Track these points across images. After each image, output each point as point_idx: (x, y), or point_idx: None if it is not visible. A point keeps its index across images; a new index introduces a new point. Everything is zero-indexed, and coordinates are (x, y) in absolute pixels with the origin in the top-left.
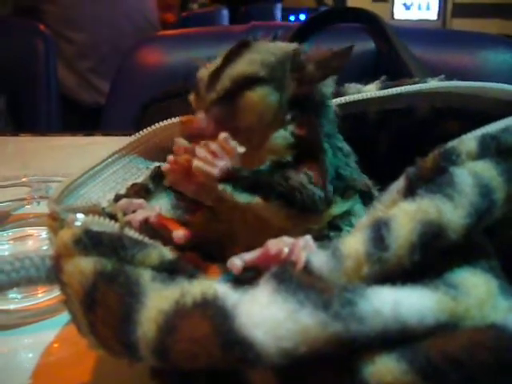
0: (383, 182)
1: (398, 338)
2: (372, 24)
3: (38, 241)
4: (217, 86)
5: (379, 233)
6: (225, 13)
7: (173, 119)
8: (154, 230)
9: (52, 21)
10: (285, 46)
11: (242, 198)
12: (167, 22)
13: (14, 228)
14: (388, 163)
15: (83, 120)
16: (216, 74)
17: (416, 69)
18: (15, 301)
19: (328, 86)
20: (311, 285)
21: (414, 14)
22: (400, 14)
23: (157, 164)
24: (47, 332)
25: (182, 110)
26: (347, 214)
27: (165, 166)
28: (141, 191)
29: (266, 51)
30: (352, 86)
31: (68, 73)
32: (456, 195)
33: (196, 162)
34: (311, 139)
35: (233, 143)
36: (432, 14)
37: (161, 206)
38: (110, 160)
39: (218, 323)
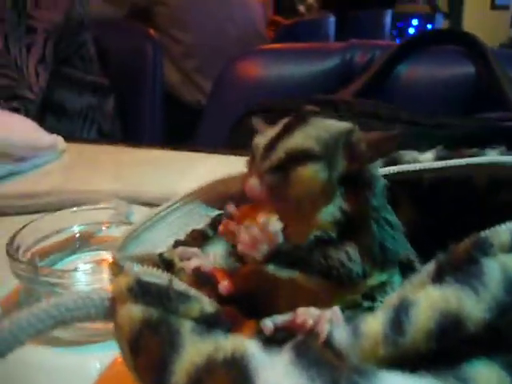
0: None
1: None
2: (472, 48)
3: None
4: (272, 156)
5: (398, 316)
6: (332, 20)
7: (238, 172)
8: (205, 277)
9: (162, 21)
10: (339, 125)
11: (284, 273)
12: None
13: (91, 251)
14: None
15: (185, 119)
16: (272, 144)
17: None
18: None
19: (377, 167)
20: (325, 361)
21: None
22: None
23: (218, 212)
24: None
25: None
26: (384, 285)
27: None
28: (199, 237)
29: (321, 127)
30: (408, 154)
31: (173, 71)
32: (481, 288)
33: (240, 247)
34: (358, 215)
35: (273, 227)
36: None
37: (216, 253)
38: (175, 206)
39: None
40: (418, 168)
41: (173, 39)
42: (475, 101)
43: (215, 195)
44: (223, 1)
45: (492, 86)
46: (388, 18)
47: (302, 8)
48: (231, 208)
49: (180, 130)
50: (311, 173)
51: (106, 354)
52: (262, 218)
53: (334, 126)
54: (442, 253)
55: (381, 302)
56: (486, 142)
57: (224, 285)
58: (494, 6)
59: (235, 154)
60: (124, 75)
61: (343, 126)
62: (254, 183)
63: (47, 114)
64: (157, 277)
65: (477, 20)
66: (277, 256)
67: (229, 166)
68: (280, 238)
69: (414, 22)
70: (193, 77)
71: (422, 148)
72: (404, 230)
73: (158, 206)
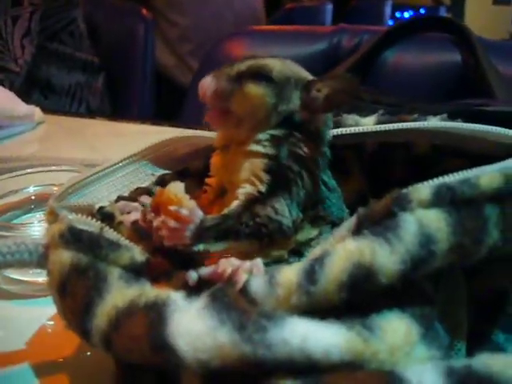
0: None
1: (305, 367)
2: (460, 35)
3: None
4: (234, 67)
5: (312, 266)
6: (329, 8)
7: (187, 132)
8: (143, 231)
9: (158, 3)
10: (306, 73)
11: (215, 247)
12: None
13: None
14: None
15: (178, 100)
16: (242, 60)
17: (500, 87)
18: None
19: (329, 118)
20: (237, 307)
21: None
22: None
23: (164, 171)
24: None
25: None
26: (311, 241)
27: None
28: (143, 194)
29: (290, 66)
30: (350, 118)
31: (168, 54)
32: (395, 241)
33: (165, 242)
34: (296, 164)
35: (185, 209)
36: None
37: None
38: (121, 164)
39: (153, 327)
40: (359, 131)
41: (169, 22)
42: (461, 88)
43: (163, 155)
44: None
45: (477, 75)
46: (388, 9)
47: None
48: (145, 199)
49: (172, 110)
50: (260, 91)
51: (52, 308)
52: (171, 207)
53: (302, 71)
54: (363, 208)
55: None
56: None
57: (157, 219)
58: (496, 1)
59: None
60: (115, 53)
61: (308, 75)
62: (208, 81)
63: (34, 90)
64: (90, 225)
65: (478, 14)
66: (204, 233)
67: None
68: (198, 215)
69: (406, 14)
70: (187, 60)
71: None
72: (354, 199)
73: None
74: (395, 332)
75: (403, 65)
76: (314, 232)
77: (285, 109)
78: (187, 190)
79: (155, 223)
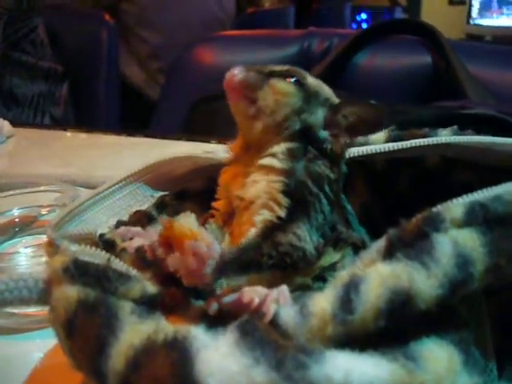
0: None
1: None
2: (430, 37)
3: None
4: (270, 67)
5: (348, 294)
6: (292, 10)
7: (185, 152)
8: (148, 257)
9: (130, 20)
10: (336, 99)
11: (237, 280)
12: None
13: (32, 235)
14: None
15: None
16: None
17: (472, 89)
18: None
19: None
20: (270, 341)
21: (495, 20)
22: (478, 18)
23: (163, 193)
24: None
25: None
26: (335, 266)
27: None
28: (143, 218)
29: (323, 85)
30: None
31: (139, 70)
32: (432, 264)
33: (184, 282)
34: (314, 186)
35: (202, 246)
36: None
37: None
38: (117, 186)
39: (179, 366)
40: (370, 151)
41: (140, 39)
42: (433, 90)
43: (160, 176)
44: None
45: (449, 76)
46: (348, 11)
47: (266, 4)
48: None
49: (141, 122)
50: (289, 89)
51: (47, 341)
52: (186, 244)
53: (332, 94)
54: (393, 229)
55: (331, 281)
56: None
57: (173, 257)
58: (451, 1)
59: (191, 140)
60: (78, 60)
61: (337, 99)
62: (238, 70)
63: None
64: (95, 256)
65: (434, 15)
66: (225, 268)
67: (184, 150)
68: (217, 249)
69: (363, 16)
70: (157, 77)
71: None
72: (357, 212)
73: None
74: (438, 361)
75: (375, 68)
76: (336, 256)
77: (307, 119)
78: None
79: (170, 262)
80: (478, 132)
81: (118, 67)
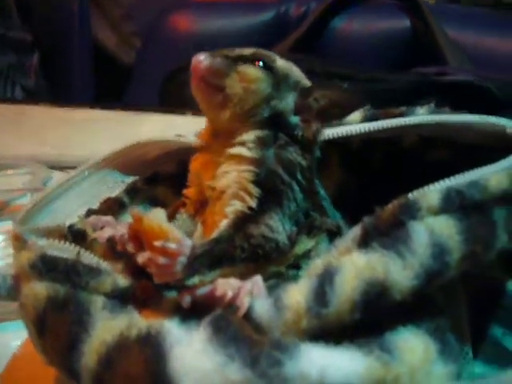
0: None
1: None
2: (409, 1)
3: None
4: (238, 50)
5: (322, 286)
6: None
7: (155, 137)
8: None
9: None
10: (307, 81)
11: (210, 276)
12: None
13: (4, 221)
14: (374, 192)
15: (120, 79)
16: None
17: (451, 52)
18: None
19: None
20: (244, 337)
21: None
22: None
23: (134, 178)
24: None
25: None
26: (309, 253)
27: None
28: (114, 205)
29: (292, 67)
30: None
31: (111, 34)
32: (408, 254)
33: (155, 279)
34: (286, 174)
35: (172, 243)
36: None
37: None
38: (86, 173)
39: (152, 363)
40: (346, 133)
41: (113, 0)
42: (412, 55)
43: (130, 161)
44: None
45: (428, 40)
46: None
47: None
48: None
49: (115, 89)
50: (258, 75)
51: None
52: (156, 242)
53: (302, 76)
54: (368, 216)
55: (306, 270)
56: (421, 96)
57: (143, 255)
58: None
59: (167, 113)
60: (49, 30)
61: (308, 82)
62: (204, 56)
63: None
64: (64, 250)
65: None
66: (196, 263)
67: (160, 125)
68: (188, 245)
69: None
70: (131, 41)
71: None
72: (332, 193)
73: None
74: (413, 351)
75: (352, 32)
76: (310, 243)
77: (277, 105)
78: (162, 199)
79: (140, 259)
80: (457, 104)
81: (91, 33)
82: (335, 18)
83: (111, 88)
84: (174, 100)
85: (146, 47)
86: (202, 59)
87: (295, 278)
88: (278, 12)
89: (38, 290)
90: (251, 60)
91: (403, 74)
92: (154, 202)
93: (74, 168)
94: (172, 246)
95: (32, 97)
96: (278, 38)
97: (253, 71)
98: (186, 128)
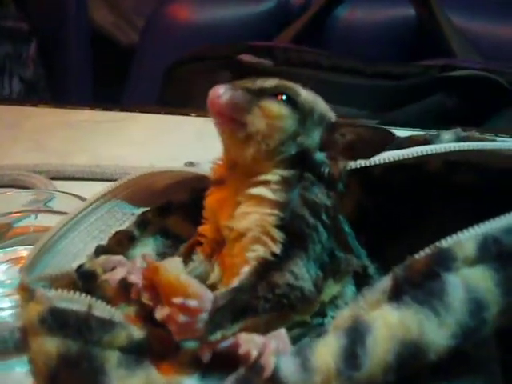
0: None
1: None
2: None
3: None
4: (259, 81)
5: (353, 347)
6: None
7: (165, 167)
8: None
9: None
10: (333, 115)
11: (233, 329)
12: None
13: (7, 247)
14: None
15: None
16: (265, 78)
17: (457, 43)
18: None
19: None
20: None
21: None
22: None
23: (143, 209)
24: None
25: (206, 73)
26: (335, 299)
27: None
28: (124, 240)
29: (317, 100)
30: None
31: (108, 12)
32: (443, 311)
33: (176, 338)
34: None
35: (194, 300)
36: None
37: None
38: (93, 206)
39: None
40: (369, 163)
41: None
42: (416, 43)
43: (139, 191)
44: None
45: (433, 29)
46: None
47: None
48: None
49: (113, 73)
50: (283, 112)
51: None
52: (175, 299)
53: (328, 109)
54: (399, 266)
55: (332, 317)
56: (430, 93)
57: (161, 312)
58: None
59: (169, 114)
60: (45, 17)
61: (333, 116)
62: (222, 89)
63: None
64: (74, 301)
65: None
66: (218, 317)
67: (161, 126)
68: (209, 299)
69: None
70: (129, 17)
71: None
72: (353, 217)
73: (83, 180)
74: None
75: (356, 21)
76: (336, 287)
77: (304, 142)
78: (173, 230)
79: (159, 316)
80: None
81: (87, 16)
82: (338, 7)
83: (110, 73)
84: (174, 96)
85: (145, 40)
86: (221, 93)
87: (321, 328)
88: (279, 1)
89: (49, 346)
90: (274, 94)
91: (410, 66)
92: (166, 234)
93: (75, 178)
94: (192, 302)
95: (31, 88)
96: (279, 27)
97: (276, 107)
98: (186, 128)
